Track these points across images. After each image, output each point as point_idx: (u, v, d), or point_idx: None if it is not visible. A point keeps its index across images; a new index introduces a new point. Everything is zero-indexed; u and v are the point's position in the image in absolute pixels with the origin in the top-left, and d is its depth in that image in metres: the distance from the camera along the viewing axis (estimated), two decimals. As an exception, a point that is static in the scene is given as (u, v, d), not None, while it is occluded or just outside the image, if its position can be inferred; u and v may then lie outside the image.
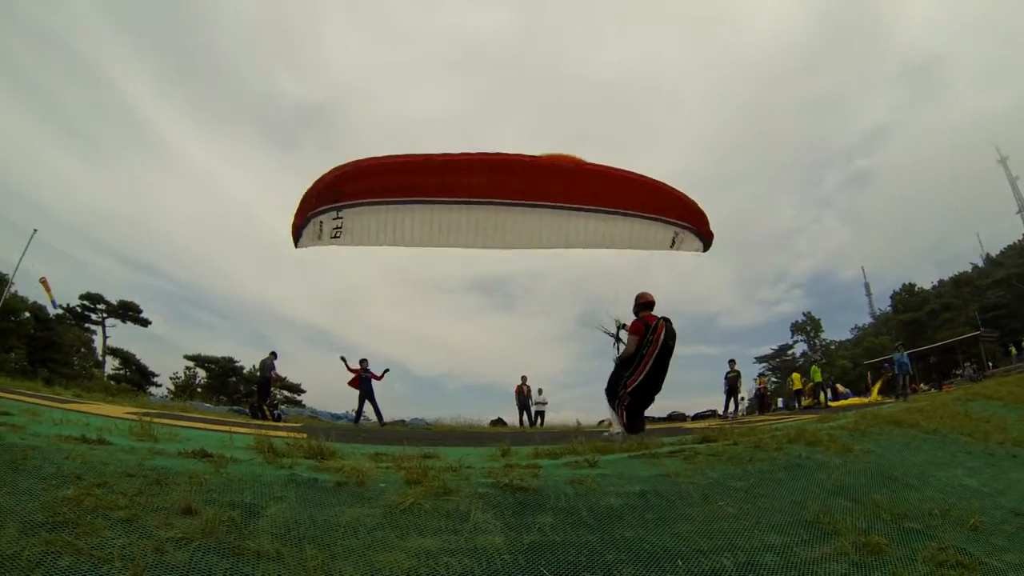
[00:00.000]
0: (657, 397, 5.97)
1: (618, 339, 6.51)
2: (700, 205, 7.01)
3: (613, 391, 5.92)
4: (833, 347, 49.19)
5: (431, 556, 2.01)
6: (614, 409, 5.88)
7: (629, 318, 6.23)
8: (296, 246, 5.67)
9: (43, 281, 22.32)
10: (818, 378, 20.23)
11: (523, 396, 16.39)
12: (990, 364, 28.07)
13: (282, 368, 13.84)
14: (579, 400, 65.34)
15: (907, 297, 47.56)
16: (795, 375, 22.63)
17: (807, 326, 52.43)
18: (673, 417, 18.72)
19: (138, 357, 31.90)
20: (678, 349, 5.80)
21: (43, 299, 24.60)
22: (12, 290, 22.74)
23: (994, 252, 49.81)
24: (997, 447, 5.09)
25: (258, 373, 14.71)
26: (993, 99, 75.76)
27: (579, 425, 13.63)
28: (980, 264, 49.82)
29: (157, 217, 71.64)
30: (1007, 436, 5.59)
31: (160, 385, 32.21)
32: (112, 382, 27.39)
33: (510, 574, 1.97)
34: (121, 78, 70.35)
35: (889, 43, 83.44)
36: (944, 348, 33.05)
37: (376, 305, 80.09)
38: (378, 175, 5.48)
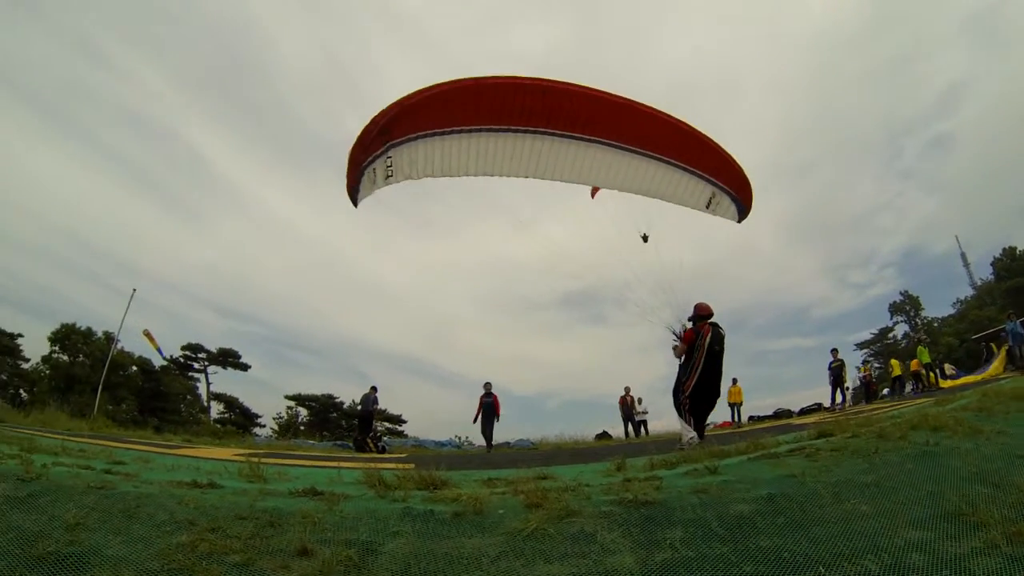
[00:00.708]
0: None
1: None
2: (744, 171, 6.83)
3: (677, 398, 6.27)
4: (936, 324, 44.16)
5: (561, 583, 1.85)
6: (682, 416, 6.17)
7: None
8: (356, 203, 5.63)
9: (147, 333, 23.65)
10: (926, 359, 18.75)
11: (627, 406, 16.24)
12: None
13: (383, 400, 14.08)
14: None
15: (1010, 262, 41.99)
16: (893, 361, 20.47)
17: (906, 305, 48.14)
18: (779, 414, 18.12)
19: (241, 400, 34.13)
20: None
21: (147, 352, 26.89)
22: (119, 346, 24.91)
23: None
24: None
25: (359, 407, 15.09)
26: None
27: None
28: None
29: (249, 267, 77.63)
30: None
31: (264, 426, 33.64)
32: (218, 426, 28.98)
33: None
34: (208, 146, 77.71)
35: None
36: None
37: (470, 330, 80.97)
38: (423, 110, 5.45)
